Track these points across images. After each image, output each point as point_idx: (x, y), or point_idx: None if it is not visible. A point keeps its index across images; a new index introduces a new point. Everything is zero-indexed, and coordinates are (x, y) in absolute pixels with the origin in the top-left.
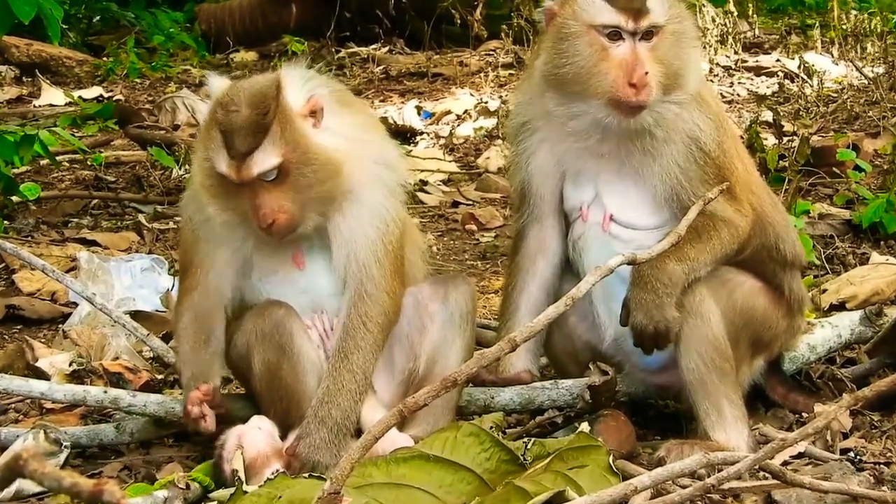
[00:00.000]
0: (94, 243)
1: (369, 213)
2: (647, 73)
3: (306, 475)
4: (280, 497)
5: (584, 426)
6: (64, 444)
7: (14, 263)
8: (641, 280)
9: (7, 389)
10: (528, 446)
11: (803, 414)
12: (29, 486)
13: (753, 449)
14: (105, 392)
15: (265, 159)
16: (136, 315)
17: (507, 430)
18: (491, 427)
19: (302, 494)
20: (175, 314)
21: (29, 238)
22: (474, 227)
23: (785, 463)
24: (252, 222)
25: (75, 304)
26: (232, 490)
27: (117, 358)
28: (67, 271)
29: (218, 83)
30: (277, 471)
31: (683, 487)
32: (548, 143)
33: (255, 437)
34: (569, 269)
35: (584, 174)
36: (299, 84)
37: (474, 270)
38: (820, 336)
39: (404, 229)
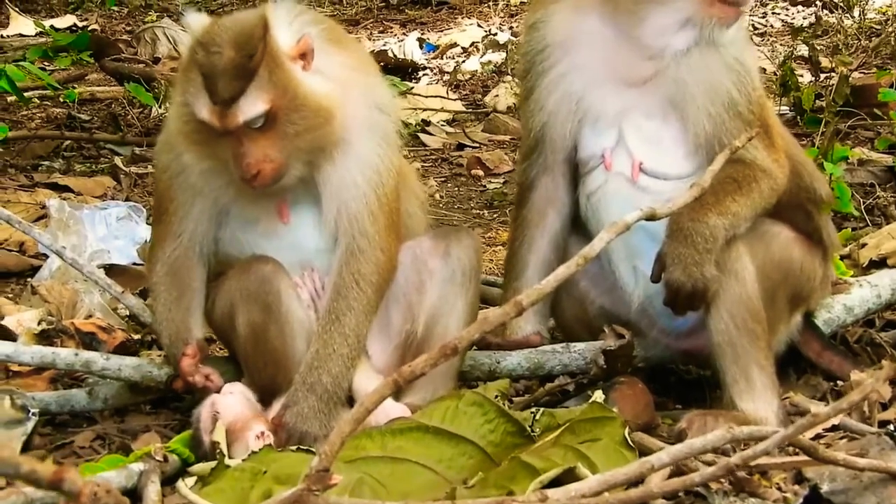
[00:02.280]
0: (66, 189)
1: (361, 162)
2: None
3: (293, 448)
4: (265, 472)
5: (598, 395)
6: (31, 411)
7: None
8: (681, 233)
9: None
10: (537, 417)
11: (837, 382)
12: None
13: (783, 420)
14: (76, 354)
15: (251, 106)
16: (111, 269)
17: (513, 399)
18: (496, 396)
19: (289, 469)
20: (148, 267)
21: None
22: (481, 173)
23: (817, 436)
24: (234, 171)
25: (45, 257)
26: (213, 464)
27: (90, 316)
28: (36, 220)
29: (196, 20)
30: (262, 433)
31: (707, 465)
32: (570, 75)
33: (229, 403)
34: (575, 227)
35: (607, 115)
36: (288, 22)
37: (480, 220)
38: (857, 296)
39: (401, 178)
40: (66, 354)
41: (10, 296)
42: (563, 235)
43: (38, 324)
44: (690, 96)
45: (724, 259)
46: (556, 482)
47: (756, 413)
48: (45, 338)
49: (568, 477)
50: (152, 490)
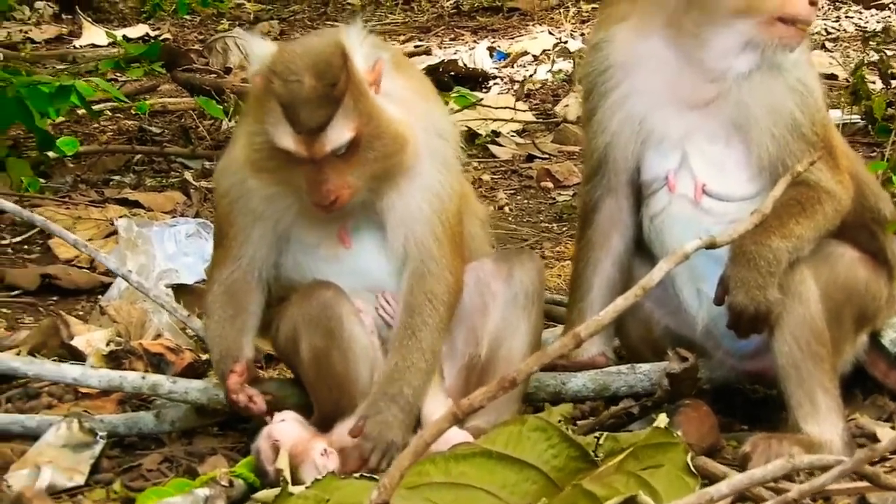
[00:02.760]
0: (136, 204)
1: (425, 189)
2: None
3: (357, 475)
4: (328, 501)
5: (662, 418)
6: (99, 434)
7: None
8: (744, 257)
9: (39, 375)
10: (600, 441)
11: None
12: (61, 480)
13: (848, 443)
14: (143, 378)
15: (339, 134)
16: (179, 289)
17: (577, 423)
18: (559, 420)
19: (351, 498)
20: (206, 289)
21: (66, 198)
22: (550, 185)
23: (882, 459)
24: (308, 197)
25: (115, 275)
26: (276, 491)
27: (159, 336)
28: (107, 236)
29: (261, 48)
30: (325, 450)
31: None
32: (632, 97)
33: (285, 429)
34: (639, 248)
35: (670, 136)
36: (360, 46)
37: (549, 234)
38: None
39: (462, 200)
40: (133, 378)
41: (81, 313)
42: (627, 256)
43: (107, 344)
44: (754, 119)
45: (787, 282)
46: None
47: (821, 436)
48: (113, 359)
49: None
50: None
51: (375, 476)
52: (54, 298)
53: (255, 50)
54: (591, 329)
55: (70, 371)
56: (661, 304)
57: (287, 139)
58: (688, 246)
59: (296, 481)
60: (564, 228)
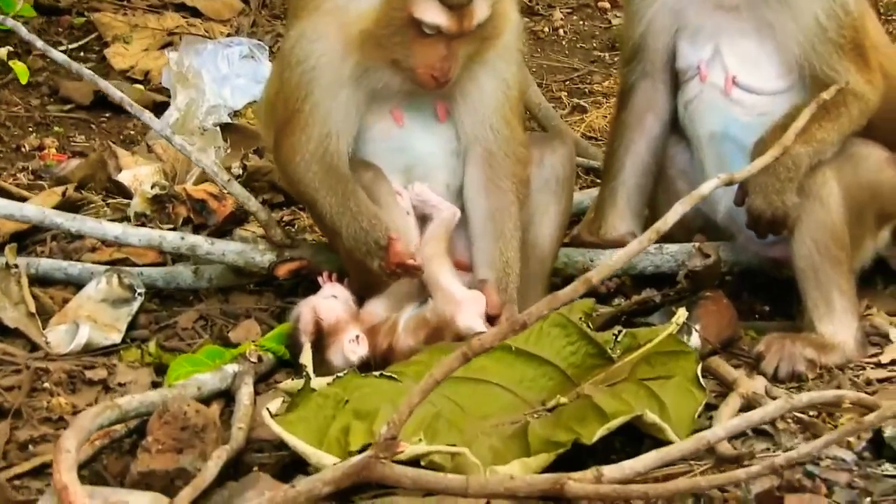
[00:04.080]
0: (194, 11)
1: (497, 77)
2: None
3: (377, 374)
4: (346, 402)
5: (682, 312)
6: (138, 291)
7: (107, 35)
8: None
9: (80, 231)
10: (618, 338)
11: None
12: (98, 338)
13: (861, 342)
14: (182, 238)
15: (482, 9)
16: (226, 128)
17: (598, 312)
18: (580, 317)
19: (369, 403)
20: (289, 158)
21: (125, 3)
22: (607, 5)
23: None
24: (421, 72)
25: (168, 93)
26: (300, 384)
27: (204, 180)
28: (163, 47)
29: None
30: (357, 337)
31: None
32: None
33: (329, 306)
34: (675, 131)
35: (704, 30)
36: None
37: (599, 65)
38: None
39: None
40: (172, 238)
41: (132, 133)
42: (662, 139)
43: (152, 187)
44: (779, 22)
45: (809, 184)
46: (625, 427)
47: (834, 336)
48: (157, 202)
49: (637, 422)
50: (245, 392)
51: (395, 376)
52: (107, 115)
53: None
54: (602, 273)
55: (111, 229)
56: (692, 185)
57: (436, 13)
58: (704, 187)
59: (323, 360)
60: (616, 58)
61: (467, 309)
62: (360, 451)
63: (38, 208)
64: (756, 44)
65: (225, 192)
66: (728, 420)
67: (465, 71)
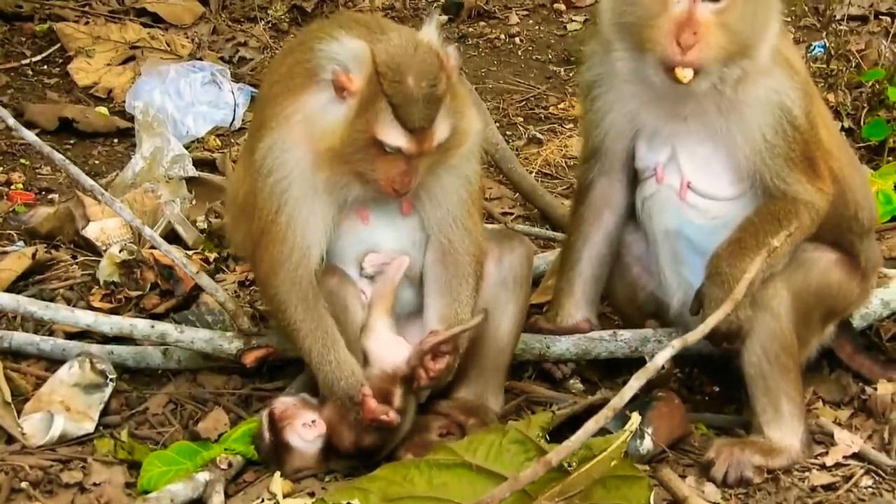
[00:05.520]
0: (156, 18)
1: (459, 175)
2: (696, 33)
3: (344, 503)
4: None
5: (635, 416)
6: (109, 376)
7: (70, 47)
8: (719, 277)
9: (54, 319)
10: (574, 453)
11: (865, 388)
12: (73, 429)
13: (807, 444)
14: (152, 327)
15: (442, 130)
16: (191, 181)
17: (556, 411)
18: (538, 434)
19: None
20: (268, 274)
21: (86, 7)
22: (563, 6)
23: (837, 465)
24: (383, 185)
25: (131, 118)
26: None
27: (171, 230)
28: (125, 62)
29: (356, 49)
30: (314, 421)
31: None
32: (622, 100)
33: (284, 400)
34: (632, 220)
35: (660, 134)
36: (441, 45)
37: (555, 81)
38: (895, 290)
39: None
40: (142, 326)
41: (98, 161)
42: (617, 232)
43: (120, 251)
44: (729, 136)
45: (760, 296)
46: None
47: (781, 441)
48: (125, 266)
49: None
50: (216, 501)
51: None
52: (72, 141)
53: (348, 51)
54: (561, 454)
55: (83, 317)
56: (647, 272)
57: (398, 137)
58: (658, 358)
59: (282, 445)
60: (571, 74)
61: (398, 350)
62: None
63: (13, 297)
64: (710, 151)
65: (192, 255)
66: None
67: (427, 172)
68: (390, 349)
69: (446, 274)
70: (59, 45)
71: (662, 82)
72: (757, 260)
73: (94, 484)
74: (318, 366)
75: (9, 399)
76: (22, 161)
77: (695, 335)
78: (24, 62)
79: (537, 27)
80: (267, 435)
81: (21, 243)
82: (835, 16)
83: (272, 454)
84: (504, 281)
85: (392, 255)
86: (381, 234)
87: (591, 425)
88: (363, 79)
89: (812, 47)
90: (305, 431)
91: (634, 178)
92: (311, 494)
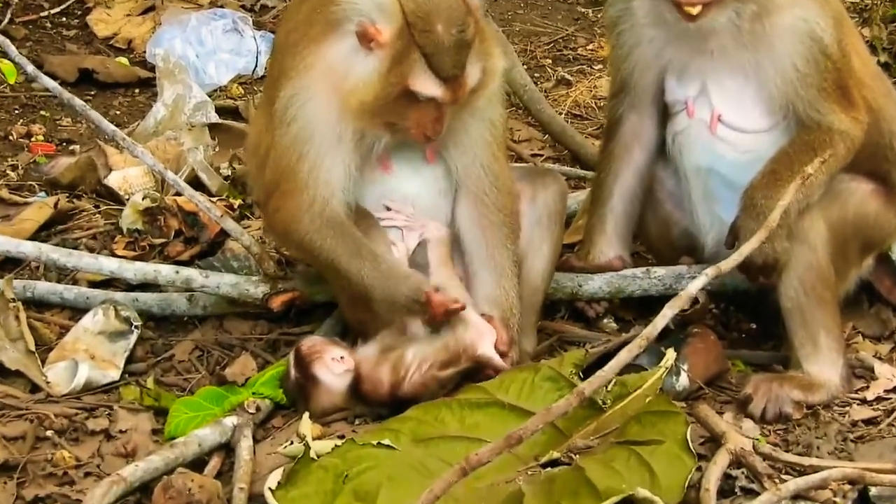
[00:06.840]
0: None
1: (485, 119)
2: None
3: (374, 443)
4: (346, 475)
5: (671, 353)
6: (134, 324)
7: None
8: (754, 209)
9: (77, 266)
10: (608, 388)
11: None
12: (98, 377)
13: (846, 378)
14: (177, 272)
15: (473, 76)
16: (214, 128)
17: (589, 349)
18: (571, 371)
19: (369, 481)
20: (293, 217)
21: None
22: None
23: (878, 399)
24: (415, 132)
25: (152, 68)
26: (300, 452)
27: (194, 177)
28: (145, 11)
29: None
30: (342, 357)
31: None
32: (650, 34)
33: (311, 338)
34: (664, 156)
35: (689, 69)
36: None
37: (583, 23)
38: None
39: None
40: (167, 272)
41: (119, 112)
42: (648, 168)
43: (143, 198)
44: (760, 67)
45: (797, 228)
46: None
47: (820, 375)
48: (149, 214)
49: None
50: (244, 447)
51: (391, 443)
52: (92, 93)
53: (374, 2)
54: (594, 385)
55: (107, 264)
56: (680, 208)
57: (432, 86)
58: (691, 286)
59: (310, 379)
60: (599, 15)
61: (487, 338)
62: None
63: (35, 245)
64: (741, 84)
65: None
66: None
67: (452, 116)
68: (488, 337)
69: (485, 240)
70: None
71: (676, 20)
72: (791, 187)
73: (121, 431)
74: (371, 282)
75: (33, 348)
76: (42, 113)
77: (728, 263)
78: (42, 14)
79: None
80: (293, 372)
81: (42, 194)
82: None
83: (299, 392)
84: (539, 219)
85: (408, 208)
86: (404, 182)
87: (623, 355)
88: (392, 30)
89: None
90: (335, 365)
91: (665, 114)
92: (342, 437)
